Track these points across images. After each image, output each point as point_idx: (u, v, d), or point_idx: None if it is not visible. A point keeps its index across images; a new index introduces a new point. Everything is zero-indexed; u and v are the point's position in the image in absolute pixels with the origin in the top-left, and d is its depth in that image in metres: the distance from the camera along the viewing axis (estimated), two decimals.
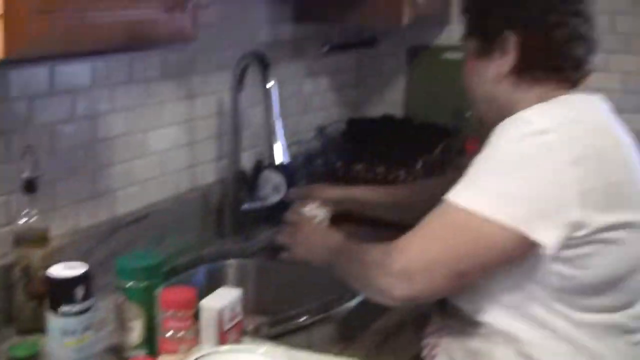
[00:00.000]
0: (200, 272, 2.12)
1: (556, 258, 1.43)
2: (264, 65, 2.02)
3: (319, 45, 2.76)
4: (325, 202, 2.08)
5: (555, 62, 1.58)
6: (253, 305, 2.17)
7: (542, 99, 1.55)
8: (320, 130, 2.76)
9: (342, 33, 2.85)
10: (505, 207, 1.40)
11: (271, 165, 2.08)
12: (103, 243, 1.89)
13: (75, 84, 1.81)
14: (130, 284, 1.52)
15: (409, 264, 1.46)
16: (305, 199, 2.12)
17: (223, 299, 1.54)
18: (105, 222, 1.94)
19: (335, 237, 1.77)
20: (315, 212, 2.04)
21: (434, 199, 1.50)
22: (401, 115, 3.01)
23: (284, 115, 2.62)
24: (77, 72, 1.81)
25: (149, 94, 2.03)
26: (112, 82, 1.90)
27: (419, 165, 2.62)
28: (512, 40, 1.56)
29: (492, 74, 1.60)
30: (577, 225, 1.41)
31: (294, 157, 2.62)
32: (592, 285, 1.47)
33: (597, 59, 2.72)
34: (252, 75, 2.15)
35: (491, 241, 1.42)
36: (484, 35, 1.61)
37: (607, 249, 1.46)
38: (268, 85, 1.99)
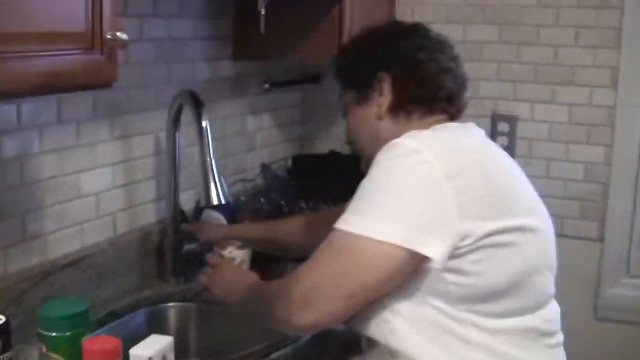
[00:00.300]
0: (140, 317, 2.08)
1: (448, 269, 1.48)
2: (198, 104, 1.98)
3: (260, 82, 2.74)
4: (245, 244, 2.15)
5: (428, 95, 1.68)
6: (195, 350, 2.16)
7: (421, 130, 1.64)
8: (265, 168, 2.73)
9: (286, 69, 2.84)
10: (389, 227, 1.46)
11: (212, 205, 2.04)
12: (35, 288, 1.84)
13: (1, 126, 1.77)
14: (54, 334, 1.47)
15: (305, 292, 1.50)
16: (195, 237, 2.22)
17: (153, 347, 1.50)
18: (37, 266, 1.88)
19: (250, 278, 1.84)
20: (235, 254, 2.10)
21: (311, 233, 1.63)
22: (348, 152, 2.98)
23: (228, 154, 2.62)
24: (2, 113, 1.76)
25: (81, 134, 1.99)
26: (41, 124, 1.86)
27: None
28: (387, 80, 1.68)
29: (373, 114, 1.70)
30: (462, 235, 1.47)
31: (237, 195, 2.59)
32: (493, 291, 1.52)
33: (543, 91, 2.85)
34: (189, 114, 2.11)
35: (380, 261, 1.47)
36: (360, 84, 1.73)
37: (498, 252, 1.51)
38: (202, 124, 1.95)
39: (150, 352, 1.48)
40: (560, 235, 2.74)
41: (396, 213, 1.47)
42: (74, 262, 1.98)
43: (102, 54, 1.42)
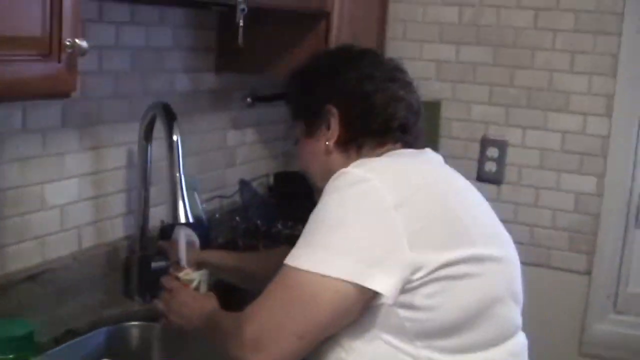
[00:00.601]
0: (100, 336, 1.99)
1: (400, 304, 1.41)
2: (170, 117, 1.90)
3: (243, 96, 2.66)
4: (202, 266, 2.01)
5: (381, 126, 1.61)
6: None
7: None
8: (243, 184, 2.65)
9: (270, 83, 2.75)
10: (336, 261, 1.39)
11: (178, 222, 1.96)
12: None
13: None
14: None
15: (255, 333, 1.44)
16: (167, 255, 2.08)
17: None
18: None
19: (208, 304, 1.73)
20: (191, 276, 1.94)
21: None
22: None
23: (206, 168, 2.53)
24: None
25: (46, 144, 1.90)
26: (3, 131, 1.78)
27: None
28: (333, 113, 1.62)
29: (322, 147, 1.64)
30: (413, 268, 1.39)
31: (213, 212, 2.51)
32: (450, 325, 1.44)
33: (536, 116, 2.78)
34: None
35: (328, 297, 1.40)
36: (307, 115, 1.67)
37: (455, 284, 1.43)
38: (173, 138, 1.87)
39: None
40: (546, 266, 2.67)
41: (342, 246, 1.40)
42: (33, 277, 1.89)
43: (59, 61, 1.33)
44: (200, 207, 2.36)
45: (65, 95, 1.40)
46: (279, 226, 2.54)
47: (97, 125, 2.06)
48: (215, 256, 2.09)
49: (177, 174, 1.87)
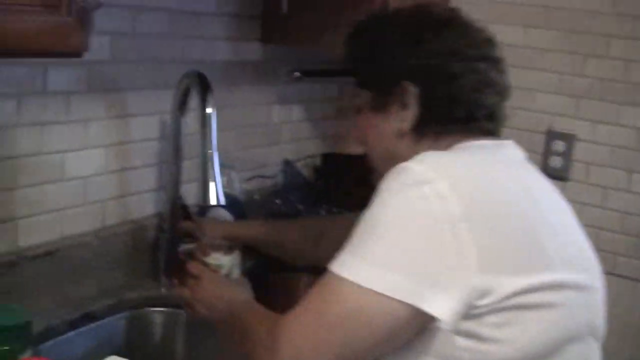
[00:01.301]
0: (120, 320, 1.84)
1: (461, 332, 1.20)
2: (204, 88, 1.73)
3: (290, 70, 2.48)
4: (233, 248, 1.79)
5: (464, 114, 1.38)
6: None
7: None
8: (287, 165, 2.47)
9: (319, 58, 2.57)
10: (387, 276, 1.19)
11: (208, 205, 1.79)
12: None
13: None
14: None
15: (296, 353, 1.25)
16: (194, 236, 1.89)
17: None
18: (1, 254, 1.65)
19: (240, 295, 1.57)
20: (221, 260, 1.72)
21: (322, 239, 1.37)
22: None
23: (247, 145, 2.36)
24: None
25: (70, 109, 1.74)
26: (20, 92, 1.62)
27: None
28: (412, 92, 1.38)
29: (392, 128, 1.41)
30: (480, 292, 1.18)
31: (252, 193, 2.35)
32: None
33: (608, 110, 2.57)
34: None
35: (380, 317, 1.21)
36: (379, 87, 1.43)
37: (526, 315, 1.21)
38: (207, 111, 1.69)
39: None
40: (611, 273, 2.46)
41: (397, 260, 1.20)
42: (49, 253, 1.75)
43: (69, 14, 1.17)
44: (237, 186, 2.20)
45: (75, 54, 1.24)
46: (322, 212, 2.35)
47: (127, 91, 1.91)
48: (243, 227, 1.94)
49: (209, 151, 1.70)
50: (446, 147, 1.36)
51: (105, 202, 1.91)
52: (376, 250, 1.21)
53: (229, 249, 1.74)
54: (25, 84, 1.64)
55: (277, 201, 2.34)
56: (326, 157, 2.69)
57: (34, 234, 1.73)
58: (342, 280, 1.22)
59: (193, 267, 1.68)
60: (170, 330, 1.91)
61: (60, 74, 1.70)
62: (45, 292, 1.72)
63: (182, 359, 1.93)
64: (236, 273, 1.74)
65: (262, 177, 2.44)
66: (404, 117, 1.39)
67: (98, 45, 1.68)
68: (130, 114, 1.92)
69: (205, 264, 1.69)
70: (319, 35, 2.24)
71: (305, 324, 1.26)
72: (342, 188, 2.50)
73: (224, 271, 1.71)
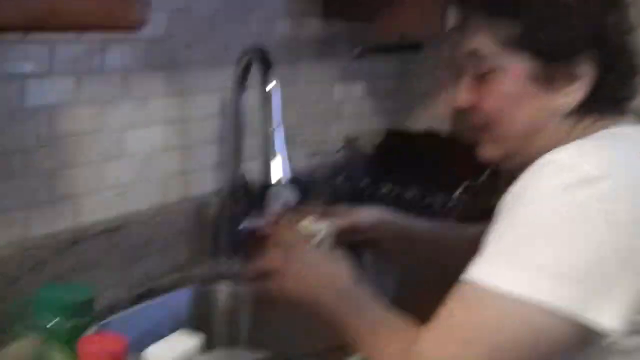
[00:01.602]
0: (185, 295, 1.84)
1: (626, 351, 1.10)
2: (265, 64, 1.71)
3: (352, 46, 2.45)
4: (327, 214, 1.55)
5: (628, 94, 1.24)
6: (245, 338, 1.92)
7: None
8: (348, 142, 2.44)
9: (382, 34, 2.54)
10: (554, 286, 1.06)
11: (271, 183, 1.77)
12: (59, 256, 1.61)
13: (26, 69, 1.53)
14: (52, 322, 1.25)
15: None
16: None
17: (174, 350, 1.25)
18: (63, 231, 1.65)
19: (343, 275, 1.32)
20: (317, 226, 1.48)
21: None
22: (447, 132, 2.66)
23: (308, 122, 2.34)
24: (30, 53, 1.53)
25: (128, 86, 1.74)
26: (78, 69, 1.62)
27: (458, 192, 2.28)
28: (589, 65, 1.19)
29: (551, 104, 1.22)
30: None
31: (312, 171, 2.33)
32: None
33: None
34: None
35: (539, 332, 1.08)
36: (545, 57, 1.21)
37: None
38: (268, 88, 1.68)
39: (169, 356, 1.24)
40: None
41: (561, 266, 1.07)
42: (110, 230, 1.74)
43: None
44: (299, 164, 2.18)
45: (133, 28, 1.21)
46: (385, 190, 2.32)
47: (186, 68, 1.89)
48: (399, 221, 1.67)
49: (270, 128, 1.68)
50: (595, 133, 1.21)
51: (166, 179, 1.90)
52: (536, 255, 1.09)
53: (322, 215, 1.53)
54: (84, 61, 1.63)
55: (340, 178, 2.32)
56: (389, 135, 2.66)
57: (96, 211, 1.73)
58: (491, 291, 1.09)
59: (283, 233, 1.44)
60: (234, 306, 1.90)
61: (117, 51, 1.70)
62: (108, 269, 1.72)
63: (246, 334, 1.92)
64: (327, 244, 1.48)
65: (323, 154, 2.41)
66: (569, 92, 1.21)
67: (155, 23, 1.67)
68: (188, 91, 1.91)
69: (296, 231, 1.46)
70: (380, 11, 2.22)
71: (451, 345, 1.12)
72: (406, 165, 2.47)
73: (316, 240, 1.47)
